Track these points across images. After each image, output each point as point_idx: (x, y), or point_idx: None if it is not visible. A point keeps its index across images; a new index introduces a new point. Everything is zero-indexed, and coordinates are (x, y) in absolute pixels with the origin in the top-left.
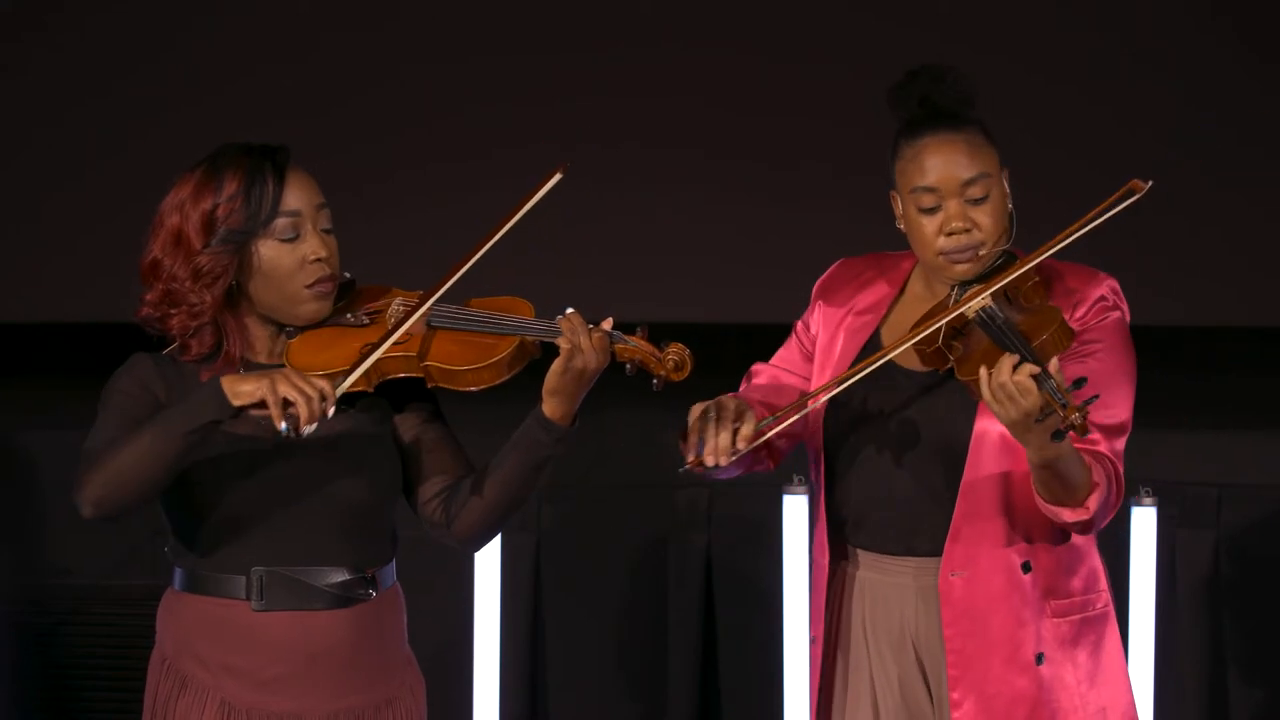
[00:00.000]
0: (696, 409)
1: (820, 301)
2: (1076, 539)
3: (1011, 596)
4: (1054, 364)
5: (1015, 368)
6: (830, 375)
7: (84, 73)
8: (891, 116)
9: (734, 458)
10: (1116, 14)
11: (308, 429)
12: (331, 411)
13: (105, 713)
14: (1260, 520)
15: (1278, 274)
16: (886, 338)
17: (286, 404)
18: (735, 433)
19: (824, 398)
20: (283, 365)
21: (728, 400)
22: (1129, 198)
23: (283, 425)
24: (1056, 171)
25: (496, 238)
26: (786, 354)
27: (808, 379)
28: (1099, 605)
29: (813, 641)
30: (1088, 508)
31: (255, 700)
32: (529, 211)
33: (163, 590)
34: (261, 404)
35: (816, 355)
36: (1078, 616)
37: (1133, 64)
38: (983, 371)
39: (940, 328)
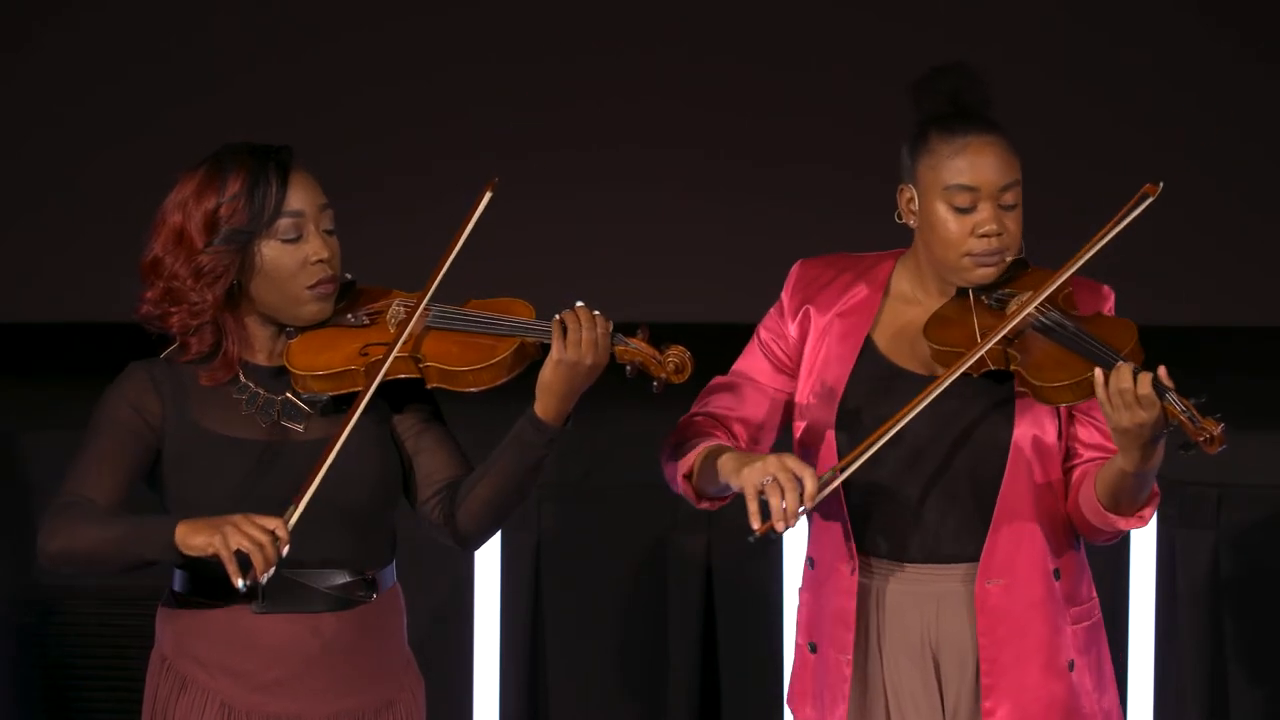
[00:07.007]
0: (753, 478)
1: (804, 305)
2: (1082, 546)
3: (1048, 603)
4: (1163, 371)
5: (1135, 375)
6: (819, 381)
7: (84, 72)
8: (908, 111)
9: (801, 517)
10: (1116, 14)
11: (265, 576)
12: (286, 550)
13: (105, 713)
14: (1260, 520)
15: (1278, 274)
16: (880, 342)
17: (241, 554)
18: (801, 494)
19: (887, 435)
20: (282, 367)
21: (786, 460)
22: (1144, 202)
23: (239, 583)
24: (1055, 171)
25: (457, 249)
26: (753, 363)
27: (780, 391)
28: (1096, 612)
29: (811, 648)
30: (1143, 517)
31: (255, 702)
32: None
33: (162, 591)
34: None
35: (804, 363)
36: (1088, 623)
37: (1132, 64)
38: (1098, 374)
39: (1000, 337)
